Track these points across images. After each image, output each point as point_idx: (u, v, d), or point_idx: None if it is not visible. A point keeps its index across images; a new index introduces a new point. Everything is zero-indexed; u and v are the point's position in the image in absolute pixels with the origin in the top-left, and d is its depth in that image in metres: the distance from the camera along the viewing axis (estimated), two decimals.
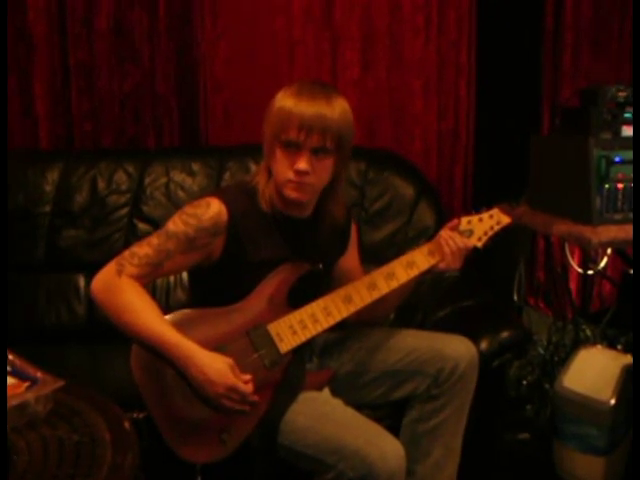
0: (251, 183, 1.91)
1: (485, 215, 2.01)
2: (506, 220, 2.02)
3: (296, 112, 1.77)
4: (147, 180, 2.76)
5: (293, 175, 1.80)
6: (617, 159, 2.34)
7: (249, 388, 1.74)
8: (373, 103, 3.15)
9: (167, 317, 1.79)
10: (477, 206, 2.05)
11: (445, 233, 1.97)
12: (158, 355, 1.73)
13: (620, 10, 3.22)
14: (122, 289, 1.75)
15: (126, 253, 1.80)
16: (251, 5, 3.05)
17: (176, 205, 2.67)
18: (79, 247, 2.72)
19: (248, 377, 1.75)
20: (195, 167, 2.79)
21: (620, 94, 2.39)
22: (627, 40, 3.19)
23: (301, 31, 3.07)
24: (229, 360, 1.74)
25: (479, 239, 2.00)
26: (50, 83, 2.98)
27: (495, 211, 2.02)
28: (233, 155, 2.82)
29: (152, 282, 1.88)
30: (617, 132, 2.39)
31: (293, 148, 1.78)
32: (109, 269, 1.78)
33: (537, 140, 2.72)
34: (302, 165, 1.78)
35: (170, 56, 3.04)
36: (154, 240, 1.80)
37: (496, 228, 2.01)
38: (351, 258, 2.13)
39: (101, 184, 2.74)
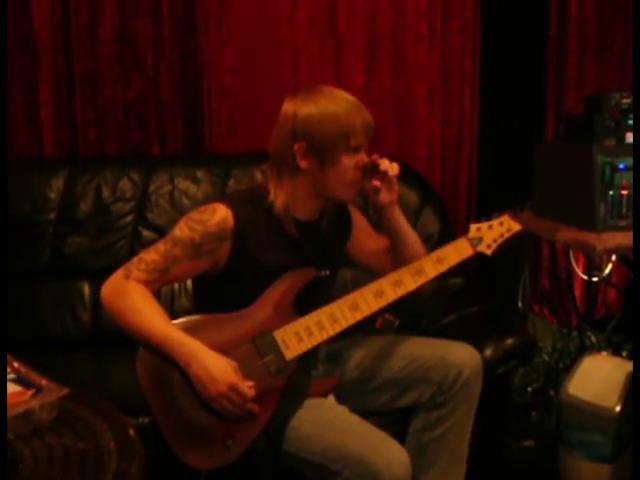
0: (259, 189, 1.91)
1: (495, 222, 2.00)
2: (517, 227, 2.00)
3: (360, 115, 1.84)
4: (152, 187, 2.77)
5: (357, 176, 1.87)
6: (621, 166, 2.34)
7: (251, 392, 1.74)
8: (377, 110, 3.10)
9: (172, 322, 1.79)
10: (482, 213, 2.04)
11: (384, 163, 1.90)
12: (162, 355, 1.74)
13: (624, 17, 3.22)
14: (129, 292, 1.76)
15: (134, 259, 1.82)
16: (255, 12, 3.06)
17: (181, 212, 2.67)
18: (84, 254, 2.73)
19: (251, 383, 1.75)
20: (200, 174, 2.80)
21: (624, 101, 2.39)
22: (631, 47, 3.19)
23: (305, 38, 3.08)
24: (233, 362, 1.75)
25: (488, 247, 1.98)
26: (55, 91, 2.99)
27: (505, 218, 2.00)
28: (238, 162, 2.82)
29: (161, 287, 1.88)
30: (621, 139, 2.39)
31: (356, 151, 1.84)
32: (118, 274, 1.80)
33: (541, 147, 2.73)
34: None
35: (174, 63, 3.04)
36: (161, 246, 1.82)
37: (506, 235, 2.00)
38: (366, 239, 2.14)
39: (106, 191, 2.75)
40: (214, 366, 1.71)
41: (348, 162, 1.84)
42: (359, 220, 2.14)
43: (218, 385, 1.71)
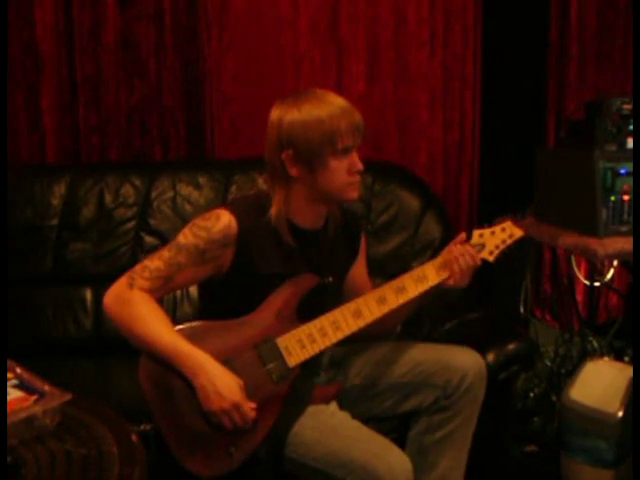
0: (263, 196, 1.91)
1: (497, 228, 2.00)
2: (519, 233, 2.00)
3: (346, 117, 1.81)
4: (154, 193, 2.77)
5: (353, 177, 1.85)
6: (622, 171, 2.34)
7: (252, 413, 1.74)
8: (379, 116, 3.16)
9: (175, 329, 1.79)
10: (484, 219, 2.04)
11: (455, 249, 1.95)
12: (167, 366, 1.73)
13: (624, 22, 3.22)
14: (133, 301, 1.76)
15: (138, 267, 1.81)
16: (257, 19, 3.07)
17: (183, 218, 2.68)
18: (86, 260, 2.73)
19: (254, 404, 1.75)
20: (202, 180, 2.80)
21: (625, 106, 2.39)
22: (631, 52, 3.20)
23: (307, 45, 3.09)
24: (240, 380, 1.74)
25: (491, 253, 1.99)
26: (57, 97, 3.00)
27: (508, 224, 2.00)
28: (240, 168, 2.82)
29: (165, 295, 1.88)
30: (622, 144, 2.39)
31: (345, 153, 1.82)
32: (121, 282, 1.79)
33: (543, 152, 2.73)
34: (361, 164, 1.86)
35: (177, 70, 3.05)
36: (165, 253, 1.81)
37: (508, 242, 2.00)
38: (360, 269, 2.13)
39: (108, 197, 2.75)
40: (221, 381, 1.71)
41: (338, 165, 1.82)
42: (363, 243, 2.14)
43: (223, 401, 1.71)
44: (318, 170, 1.82)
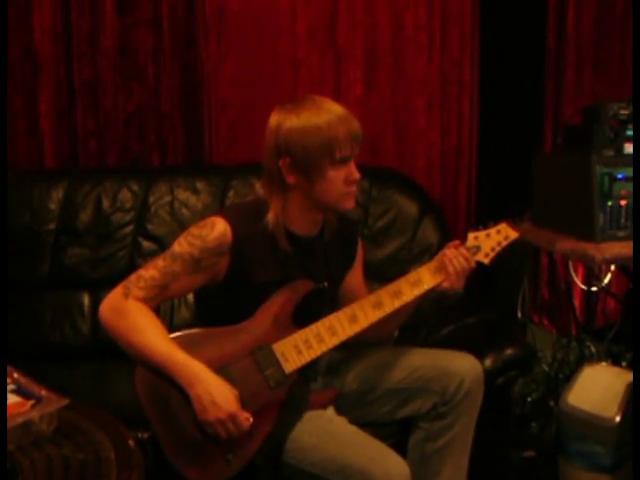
0: (260, 202, 1.90)
1: (492, 230, 1.99)
2: (514, 235, 1.99)
3: (344, 125, 1.80)
4: (151, 198, 2.77)
5: (349, 187, 1.85)
6: (620, 176, 2.35)
7: (247, 424, 1.73)
8: (377, 121, 3.16)
9: (171, 336, 1.78)
10: (481, 223, 2.04)
11: (449, 252, 1.95)
12: (163, 376, 1.73)
13: (622, 28, 3.23)
14: (129, 311, 1.75)
15: (133, 276, 1.80)
16: (255, 24, 3.07)
17: (180, 223, 2.68)
18: (84, 265, 2.72)
19: (249, 415, 1.74)
20: (199, 185, 2.80)
21: (622, 112, 2.40)
22: (629, 57, 3.21)
23: (305, 50, 3.09)
24: (235, 391, 1.74)
25: (486, 255, 1.98)
26: (55, 102, 3.00)
27: (503, 226, 1.99)
28: (237, 174, 2.82)
29: (160, 304, 1.87)
30: (620, 149, 2.40)
31: (343, 162, 1.81)
32: (116, 293, 1.79)
33: (540, 157, 2.73)
34: (358, 174, 1.85)
35: (175, 75, 3.05)
36: (160, 262, 1.81)
37: (504, 243, 1.99)
38: (356, 275, 2.13)
39: (106, 202, 2.75)
40: (217, 391, 1.71)
41: (336, 175, 1.82)
42: (360, 249, 2.14)
43: (219, 411, 1.70)
44: (315, 179, 1.81)
